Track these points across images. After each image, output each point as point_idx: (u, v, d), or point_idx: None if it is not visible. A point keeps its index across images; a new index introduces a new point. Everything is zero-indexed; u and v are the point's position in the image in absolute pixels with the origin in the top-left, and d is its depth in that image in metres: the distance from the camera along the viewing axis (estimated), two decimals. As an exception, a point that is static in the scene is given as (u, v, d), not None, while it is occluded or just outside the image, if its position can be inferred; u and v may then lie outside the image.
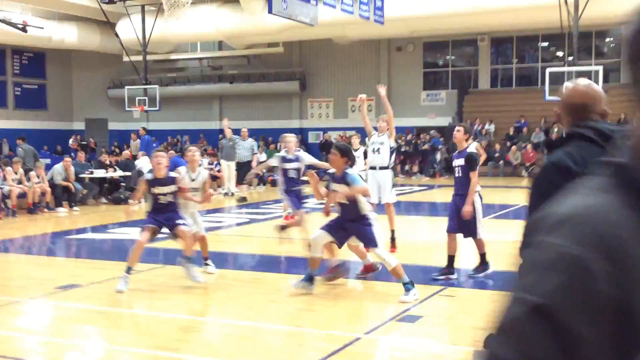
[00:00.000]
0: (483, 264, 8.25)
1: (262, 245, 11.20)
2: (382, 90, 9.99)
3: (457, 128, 8.23)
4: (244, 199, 18.24)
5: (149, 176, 7.90)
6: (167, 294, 7.67)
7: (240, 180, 18.91)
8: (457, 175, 8.13)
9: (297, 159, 10.22)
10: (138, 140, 25.03)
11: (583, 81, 2.89)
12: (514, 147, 27.00)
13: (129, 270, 7.53)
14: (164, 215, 7.80)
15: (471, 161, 7.86)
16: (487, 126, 28.92)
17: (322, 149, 30.42)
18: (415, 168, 28.01)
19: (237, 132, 20.15)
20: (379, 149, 9.84)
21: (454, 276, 8.02)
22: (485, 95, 30.59)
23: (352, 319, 6.42)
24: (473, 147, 8.23)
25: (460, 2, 24.79)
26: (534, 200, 2.53)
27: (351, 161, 7.20)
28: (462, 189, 7.96)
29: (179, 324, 6.47)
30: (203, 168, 10.14)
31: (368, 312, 6.66)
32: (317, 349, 5.54)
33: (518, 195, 20.24)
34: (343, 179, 7.00)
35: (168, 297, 7.50)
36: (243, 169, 18.39)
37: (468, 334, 5.93)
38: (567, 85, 2.88)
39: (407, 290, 6.83)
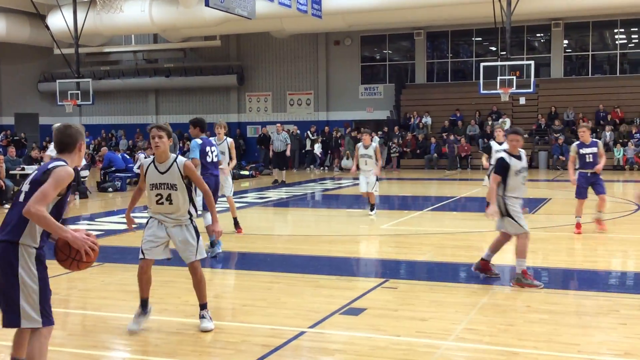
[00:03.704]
0: None
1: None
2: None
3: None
4: (276, 181, 21.54)
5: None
6: (104, 292, 7.48)
7: (277, 166, 22.08)
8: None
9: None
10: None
11: None
12: (395, 139, 27.50)
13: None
14: None
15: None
16: (424, 119, 29.33)
17: (259, 143, 30.26)
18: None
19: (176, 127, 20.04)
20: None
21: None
22: (421, 89, 31.00)
23: (296, 313, 6.39)
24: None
25: (396, -3, 25.01)
26: None
27: None
28: None
29: (116, 323, 6.31)
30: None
31: (312, 306, 6.64)
32: (262, 344, 5.49)
33: (454, 188, 20.62)
34: None
35: (105, 295, 7.32)
36: (278, 158, 21.92)
37: (410, 325, 5.99)
38: None
39: None
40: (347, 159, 27.25)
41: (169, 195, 5.82)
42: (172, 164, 5.82)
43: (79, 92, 26.19)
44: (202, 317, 5.91)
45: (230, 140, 11.05)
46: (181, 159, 5.87)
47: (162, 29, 28.57)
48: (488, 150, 12.92)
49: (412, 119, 29.46)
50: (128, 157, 23.25)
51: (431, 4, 24.83)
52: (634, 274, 8.53)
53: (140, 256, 5.92)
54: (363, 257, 9.53)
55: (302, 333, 5.76)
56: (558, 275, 8.42)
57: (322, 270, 8.60)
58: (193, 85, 33.53)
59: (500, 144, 12.39)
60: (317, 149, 28.65)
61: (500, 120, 28.03)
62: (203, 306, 5.95)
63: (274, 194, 18.43)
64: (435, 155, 27.52)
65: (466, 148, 27.23)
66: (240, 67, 33.25)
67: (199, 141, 9.50)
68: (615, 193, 18.95)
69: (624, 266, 9.13)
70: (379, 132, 28.50)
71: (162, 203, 5.85)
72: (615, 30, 29.26)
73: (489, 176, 12.50)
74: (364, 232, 11.86)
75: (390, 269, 8.65)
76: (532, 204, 15.14)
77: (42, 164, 4.72)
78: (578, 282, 8.11)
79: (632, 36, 29.46)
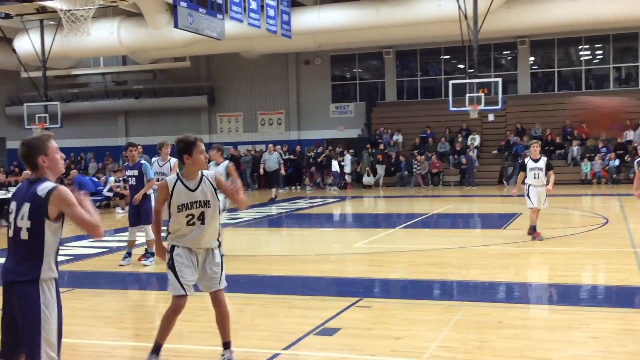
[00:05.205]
0: None
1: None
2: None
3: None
4: (272, 199, 22.38)
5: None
6: (74, 318, 7.35)
7: (269, 186, 24.26)
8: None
9: None
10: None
11: None
12: (421, 157, 27.62)
13: None
14: None
15: None
16: (395, 137, 29.50)
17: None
18: (330, 180, 28.14)
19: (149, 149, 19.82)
20: None
21: None
22: (392, 107, 31.24)
23: (270, 335, 6.34)
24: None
25: (365, 17, 25.28)
26: None
27: None
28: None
29: (87, 350, 6.20)
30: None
31: (286, 327, 6.59)
32: (235, 367, 5.43)
33: (425, 205, 20.73)
34: None
35: (75, 322, 7.19)
36: (272, 176, 23.78)
37: (385, 344, 5.97)
38: None
39: None
40: (368, 175, 27.24)
41: (202, 214, 5.21)
42: (202, 178, 5.25)
43: (47, 115, 25.93)
44: (227, 359, 5.36)
45: (174, 160, 10.88)
46: (207, 172, 5.33)
47: (130, 51, 28.45)
48: (523, 167, 11.91)
49: (385, 135, 29.55)
50: (97, 180, 23.01)
51: (399, 24, 25.10)
52: (604, 287, 8.63)
53: (180, 292, 5.19)
54: (336, 276, 9.51)
55: (276, 355, 5.72)
56: (529, 290, 8.49)
57: (295, 291, 8.56)
58: (163, 106, 33.38)
59: (535, 160, 11.70)
60: (335, 165, 27.70)
61: (470, 137, 28.33)
62: (227, 345, 5.40)
63: (246, 214, 18.35)
64: (406, 172, 27.65)
65: (437, 165, 27.43)
66: (210, 87, 33.21)
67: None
68: (584, 207, 19.23)
69: (594, 280, 9.23)
70: (350, 150, 28.61)
71: (193, 224, 5.20)
72: (580, 47, 29.84)
73: (528, 196, 11.71)
74: (337, 251, 11.84)
75: (364, 288, 8.64)
76: (502, 220, 15.28)
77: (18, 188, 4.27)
78: (549, 297, 8.18)
79: (596, 52, 30.06)
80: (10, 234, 4.03)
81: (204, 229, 5.21)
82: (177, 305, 5.22)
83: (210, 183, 5.23)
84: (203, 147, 5.26)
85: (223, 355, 5.40)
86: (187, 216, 5.17)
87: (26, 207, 3.96)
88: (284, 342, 6.04)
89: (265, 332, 6.42)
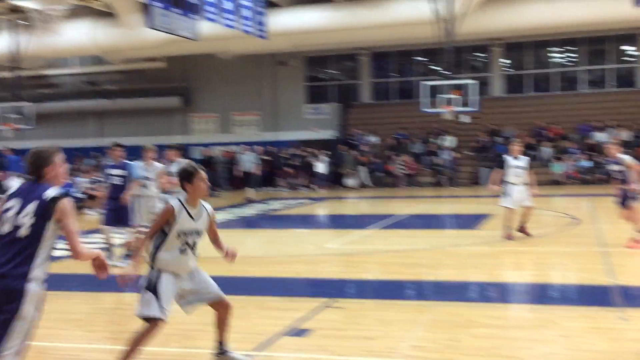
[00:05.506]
0: None
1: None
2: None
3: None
4: (249, 199, 22.48)
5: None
6: (45, 321, 7.24)
7: (246, 185, 24.37)
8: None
9: None
10: None
11: None
12: (398, 158, 27.70)
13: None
14: None
15: None
16: (370, 137, 29.59)
17: (203, 165, 30.06)
18: (305, 181, 28.11)
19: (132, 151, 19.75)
20: None
21: None
22: (367, 108, 31.32)
23: (243, 336, 6.31)
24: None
25: (340, 18, 25.33)
26: None
27: None
28: None
29: (58, 353, 6.14)
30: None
31: (259, 328, 6.58)
32: (207, 369, 5.41)
33: (400, 206, 20.82)
34: None
35: (46, 325, 7.09)
36: (247, 177, 24.45)
37: (357, 345, 5.99)
38: None
39: None
40: (350, 177, 27.28)
41: (195, 243, 5.25)
42: (202, 208, 5.27)
43: (18, 116, 25.62)
44: (229, 350, 5.54)
45: (159, 165, 10.81)
46: (207, 205, 5.34)
47: (104, 51, 28.17)
48: (501, 165, 11.93)
49: (360, 136, 29.61)
50: (69, 181, 22.77)
51: (375, 25, 25.18)
52: (573, 286, 8.74)
53: (157, 314, 5.06)
54: (309, 277, 9.52)
55: (247, 356, 5.70)
56: (501, 290, 8.57)
57: (268, 292, 8.55)
58: (137, 107, 33.11)
59: (515, 158, 11.82)
60: (321, 167, 27.56)
61: (443, 137, 28.50)
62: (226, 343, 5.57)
63: (220, 215, 18.28)
64: (383, 174, 27.72)
65: (412, 166, 27.55)
66: (185, 88, 33.01)
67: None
68: (555, 207, 19.43)
69: (564, 279, 9.34)
70: (325, 151, 28.61)
71: (186, 252, 5.20)
72: (552, 50, 30.19)
73: (507, 194, 11.59)
74: (311, 252, 11.85)
75: (336, 289, 8.66)
76: (475, 220, 15.41)
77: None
78: (520, 296, 8.26)
79: (568, 55, 30.44)
80: (6, 230, 4.15)
81: (193, 256, 5.28)
82: (155, 328, 5.09)
83: (208, 214, 5.31)
84: (204, 175, 5.21)
85: (226, 348, 5.54)
86: (183, 243, 5.16)
87: (32, 206, 4.13)
88: (256, 344, 6.03)
89: (237, 334, 6.39)
